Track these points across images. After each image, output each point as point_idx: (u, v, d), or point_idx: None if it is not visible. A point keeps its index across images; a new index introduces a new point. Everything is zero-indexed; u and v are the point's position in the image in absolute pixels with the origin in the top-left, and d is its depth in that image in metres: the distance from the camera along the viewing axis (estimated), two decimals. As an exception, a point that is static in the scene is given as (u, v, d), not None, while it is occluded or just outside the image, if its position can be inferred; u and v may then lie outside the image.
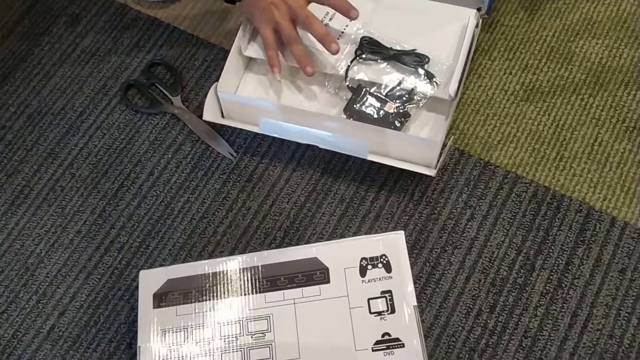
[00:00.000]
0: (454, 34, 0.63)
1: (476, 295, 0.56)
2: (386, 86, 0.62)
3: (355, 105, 0.61)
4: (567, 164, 0.61)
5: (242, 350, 0.51)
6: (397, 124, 0.60)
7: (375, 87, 0.62)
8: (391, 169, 0.60)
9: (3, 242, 0.62)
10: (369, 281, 0.52)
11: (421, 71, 0.61)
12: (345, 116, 0.61)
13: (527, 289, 0.55)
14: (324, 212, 0.61)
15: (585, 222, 0.58)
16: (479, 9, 0.64)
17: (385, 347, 0.50)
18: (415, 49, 0.62)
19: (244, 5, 0.63)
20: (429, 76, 0.61)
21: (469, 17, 0.62)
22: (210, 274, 0.54)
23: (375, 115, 0.60)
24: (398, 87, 0.61)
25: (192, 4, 0.74)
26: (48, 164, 0.66)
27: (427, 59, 0.62)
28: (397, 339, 0.50)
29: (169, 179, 0.64)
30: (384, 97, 0.61)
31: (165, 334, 0.52)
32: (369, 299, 0.51)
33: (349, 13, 0.60)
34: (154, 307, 0.53)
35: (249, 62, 0.68)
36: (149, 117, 0.68)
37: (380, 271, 0.52)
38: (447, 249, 0.58)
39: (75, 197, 0.64)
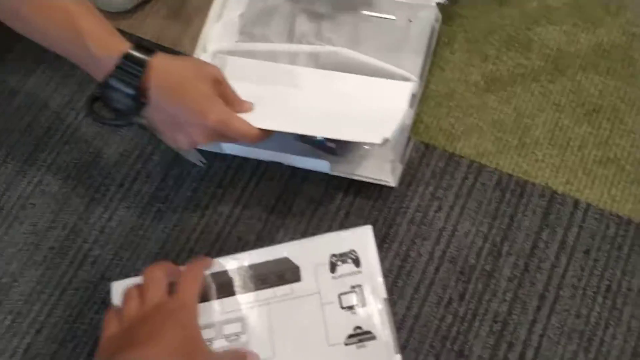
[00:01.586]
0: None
1: (446, 285, 0.57)
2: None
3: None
4: (529, 151, 0.62)
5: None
6: (338, 153, 0.59)
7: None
8: (358, 166, 0.60)
9: (-24, 263, 0.62)
10: (339, 277, 0.53)
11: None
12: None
13: (495, 275, 0.56)
14: (295, 213, 0.61)
15: (548, 206, 0.59)
16: (438, 3, 0.65)
17: (357, 340, 0.51)
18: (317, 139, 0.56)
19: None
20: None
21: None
22: None
23: (318, 146, 0.59)
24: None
25: (154, 12, 0.74)
26: (17, 181, 0.66)
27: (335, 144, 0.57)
28: (369, 332, 0.51)
29: (140, 190, 0.64)
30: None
31: None
32: (339, 295, 0.52)
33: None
34: None
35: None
36: (117, 128, 0.68)
37: (349, 266, 0.53)
38: (416, 241, 0.59)
39: (47, 213, 0.64)
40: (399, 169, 0.58)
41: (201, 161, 0.65)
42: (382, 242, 0.59)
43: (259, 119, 0.53)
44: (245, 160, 0.64)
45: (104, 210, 0.64)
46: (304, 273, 0.53)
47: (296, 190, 0.62)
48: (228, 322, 0.53)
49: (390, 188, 0.61)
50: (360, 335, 0.51)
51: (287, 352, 0.51)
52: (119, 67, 0.47)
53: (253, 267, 0.55)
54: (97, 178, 0.66)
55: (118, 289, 0.54)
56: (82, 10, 0.48)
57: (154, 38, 0.72)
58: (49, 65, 0.72)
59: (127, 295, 0.49)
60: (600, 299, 0.54)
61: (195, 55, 0.65)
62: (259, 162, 0.64)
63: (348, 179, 0.62)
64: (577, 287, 0.55)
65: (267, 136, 0.54)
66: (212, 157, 0.65)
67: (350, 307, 0.52)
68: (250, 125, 0.51)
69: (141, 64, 0.47)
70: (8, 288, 0.61)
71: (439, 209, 0.60)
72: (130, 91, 0.47)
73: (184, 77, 0.49)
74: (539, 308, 0.55)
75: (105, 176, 0.66)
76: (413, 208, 0.60)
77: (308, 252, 0.55)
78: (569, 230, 0.58)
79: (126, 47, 0.48)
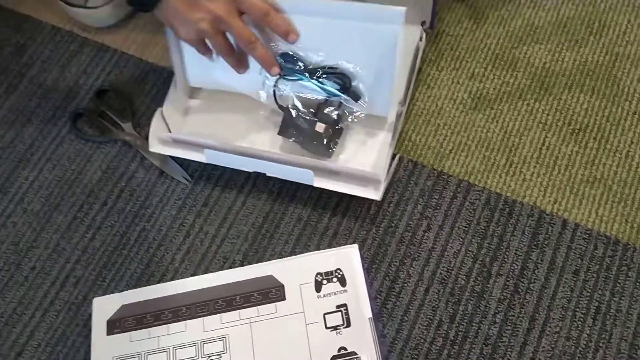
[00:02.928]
0: (388, 52, 0.60)
1: (436, 306, 0.56)
2: (314, 105, 0.60)
3: (288, 128, 0.60)
4: (517, 170, 0.62)
5: None
6: (331, 145, 0.59)
7: (303, 107, 0.60)
8: (346, 184, 0.60)
9: (-47, 285, 0.60)
10: (324, 296, 0.52)
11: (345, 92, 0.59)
12: (281, 139, 0.61)
13: (485, 296, 0.56)
14: (282, 232, 0.61)
15: (537, 226, 0.59)
16: (423, 23, 0.65)
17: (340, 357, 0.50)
18: (336, 68, 0.58)
19: (164, 16, 0.53)
20: (355, 97, 0.59)
21: (397, 35, 0.56)
22: (165, 298, 0.54)
23: (307, 136, 0.59)
24: (326, 107, 0.59)
25: (139, 28, 0.73)
26: (-2, 200, 0.65)
27: (348, 81, 0.58)
28: (354, 353, 0.50)
29: (124, 208, 0.63)
30: (313, 118, 0.60)
31: None
32: (324, 314, 0.51)
33: (288, 37, 0.55)
34: (107, 334, 0.52)
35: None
36: (100, 145, 0.67)
37: (335, 285, 0.52)
38: (405, 261, 0.58)
39: (28, 232, 0.63)
40: (384, 183, 0.57)
41: (185, 178, 0.64)
42: (371, 263, 0.58)
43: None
44: (231, 178, 0.63)
45: (86, 229, 0.62)
46: (288, 292, 0.53)
47: (284, 209, 0.62)
48: (210, 340, 0.52)
49: (379, 207, 0.61)
50: (345, 357, 0.50)
51: None
52: None
53: (237, 284, 0.54)
54: (80, 196, 0.64)
55: (100, 305, 0.53)
56: None
57: (137, 53, 0.71)
58: (31, 80, 0.71)
59: None
60: (590, 321, 0.54)
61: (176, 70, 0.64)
62: (245, 180, 0.63)
63: (336, 197, 0.61)
64: (567, 308, 0.55)
65: (285, 24, 0.54)
66: (197, 175, 0.64)
67: (335, 327, 0.51)
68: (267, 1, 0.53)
69: None
70: (-14, 311, 0.59)
71: (428, 228, 0.59)
72: None
73: None
74: (529, 330, 0.54)
75: (88, 194, 0.64)
76: (402, 227, 0.60)
77: (293, 270, 0.54)
78: (557, 251, 0.57)
79: None
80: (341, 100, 0.60)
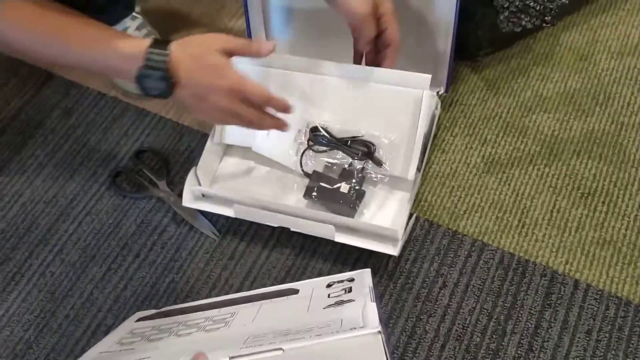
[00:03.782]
0: (410, 115, 0.65)
1: (452, 363, 0.58)
2: (338, 169, 0.65)
3: (313, 191, 0.65)
4: (529, 231, 0.65)
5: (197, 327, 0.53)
6: (353, 205, 0.64)
7: (328, 171, 0.66)
8: (365, 242, 0.63)
9: (-8, 330, 0.64)
10: (332, 287, 0.55)
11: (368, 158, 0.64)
12: (306, 201, 0.65)
13: (500, 354, 0.57)
14: (304, 286, 0.64)
15: (550, 286, 0.61)
16: (437, 92, 0.71)
17: (335, 304, 0.51)
18: (362, 136, 0.65)
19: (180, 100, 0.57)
20: (378, 162, 0.65)
21: (422, 97, 0.64)
22: (195, 306, 0.59)
23: (332, 198, 0.64)
24: (349, 169, 0.65)
25: (177, 94, 0.80)
26: (39, 250, 0.69)
27: (373, 147, 0.65)
28: (350, 299, 0.50)
29: (155, 260, 0.67)
30: (337, 180, 0.65)
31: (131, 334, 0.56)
32: (329, 294, 0.54)
33: (287, 112, 0.59)
34: (135, 322, 0.58)
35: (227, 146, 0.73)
36: (136, 201, 0.72)
37: (344, 283, 0.55)
38: (422, 317, 0.60)
39: (65, 281, 0.67)
40: (401, 239, 0.61)
41: (214, 233, 0.68)
42: (389, 318, 0.60)
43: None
44: (256, 232, 0.67)
45: (119, 280, 0.66)
46: (301, 292, 0.56)
47: (305, 264, 0.65)
48: (218, 315, 0.55)
49: (396, 264, 0.63)
50: (338, 305, 0.50)
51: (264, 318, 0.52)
52: (148, 58, 0.55)
53: (260, 294, 0.58)
54: (115, 248, 0.68)
55: (138, 314, 0.59)
56: (107, 32, 0.58)
57: (174, 117, 0.78)
58: (76, 140, 0.77)
59: None
60: (603, 381, 0.55)
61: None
62: (270, 235, 0.67)
63: (355, 253, 0.64)
64: (580, 367, 0.56)
65: (283, 106, 0.59)
66: (225, 229, 0.68)
67: (337, 297, 0.52)
68: (261, 84, 0.57)
69: (165, 50, 0.55)
70: (22, 355, 0.62)
71: (444, 285, 0.62)
72: (162, 73, 0.55)
73: (202, 52, 0.57)
74: (543, 388, 0.55)
75: (122, 246, 0.68)
76: (418, 284, 0.62)
77: (311, 282, 0.58)
78: (570, 311, 0.59)
79: (147, 41, 0.56)
80: (364, 165, 0.65)
